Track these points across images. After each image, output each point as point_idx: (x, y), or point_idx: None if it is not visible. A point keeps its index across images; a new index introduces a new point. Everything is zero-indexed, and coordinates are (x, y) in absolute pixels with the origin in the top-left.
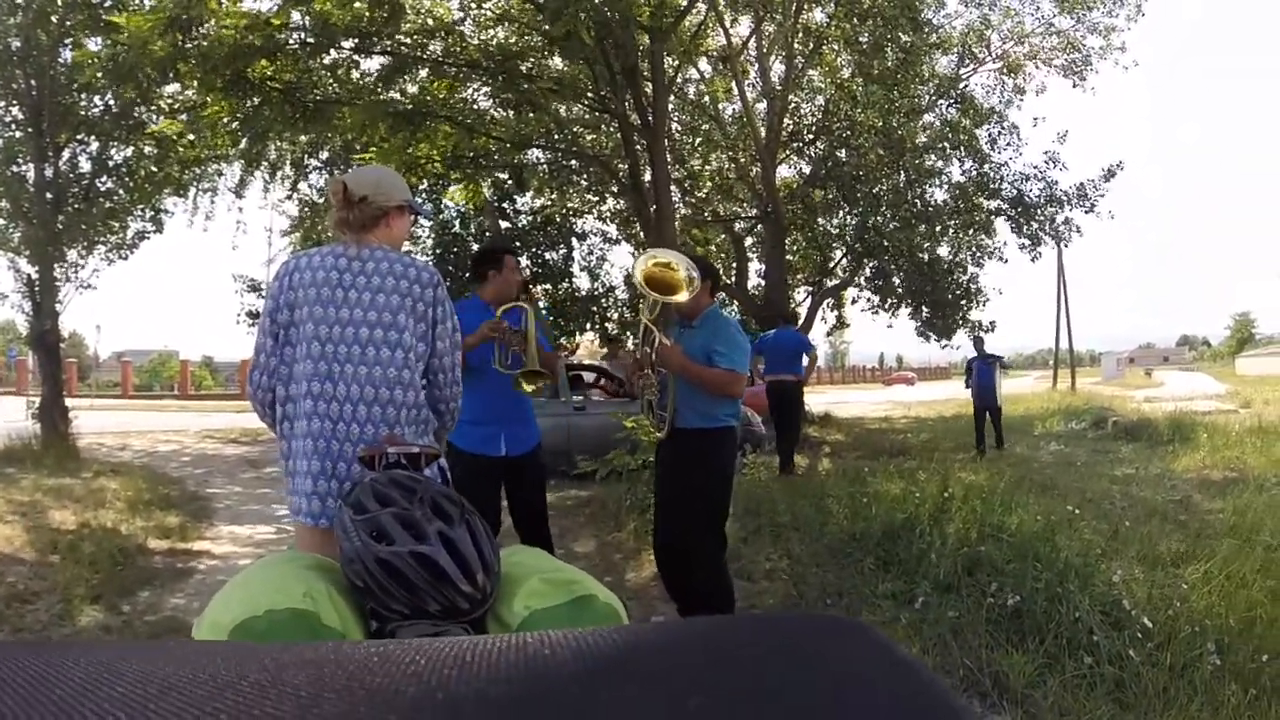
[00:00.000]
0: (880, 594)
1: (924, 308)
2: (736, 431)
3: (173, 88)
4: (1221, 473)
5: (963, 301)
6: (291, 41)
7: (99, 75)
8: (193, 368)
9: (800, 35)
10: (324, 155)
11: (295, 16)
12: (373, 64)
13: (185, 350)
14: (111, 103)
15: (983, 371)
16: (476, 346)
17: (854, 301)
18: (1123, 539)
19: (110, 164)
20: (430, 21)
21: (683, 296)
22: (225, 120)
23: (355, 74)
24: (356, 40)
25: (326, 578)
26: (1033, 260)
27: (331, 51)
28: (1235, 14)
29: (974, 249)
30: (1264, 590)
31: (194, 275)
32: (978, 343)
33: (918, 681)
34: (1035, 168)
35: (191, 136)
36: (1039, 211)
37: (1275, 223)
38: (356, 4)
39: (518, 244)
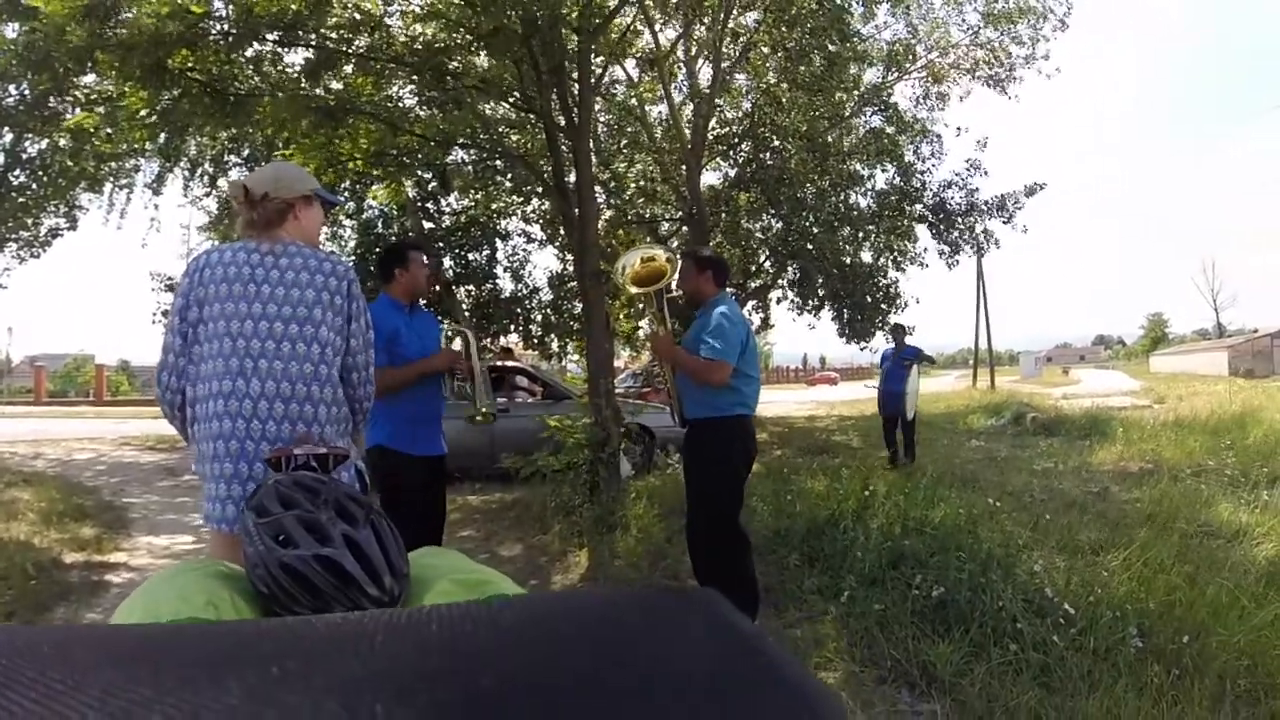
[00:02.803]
0: (806, 589)
1: (845, 310)
2: (746, 421)
3: (90, 78)
4: (1138, 465)
5: (883, 305)
6: (214, 31)
7: (14, 63)
8: (109, 372)
9: (729, 39)
10: (245, 152)
11: (218, 5)
12: (296, 58)
13: (101, 354)
14: (26, 93)
15: (892, 373)
16: (429, 373)
17: (778, 302)
18: (1043, 530)
19: (24, 157)
20: (357, 15)
21: (671, 278)
22: (144, 113)
23: (278, 67)
24: (281, 32)
25: (230, 584)
26: (950, 268)
27: (254, 43)
28: (1155, 27)
29: (895, 254)
30: (1182, 575)
31: (109, 276)
32: (896, 331)
33: (748, 651)
34: (957, 174)
35: (109, 130)
36: (959, 220)
37: (1188, 226)
38: None
39: (440, 245)
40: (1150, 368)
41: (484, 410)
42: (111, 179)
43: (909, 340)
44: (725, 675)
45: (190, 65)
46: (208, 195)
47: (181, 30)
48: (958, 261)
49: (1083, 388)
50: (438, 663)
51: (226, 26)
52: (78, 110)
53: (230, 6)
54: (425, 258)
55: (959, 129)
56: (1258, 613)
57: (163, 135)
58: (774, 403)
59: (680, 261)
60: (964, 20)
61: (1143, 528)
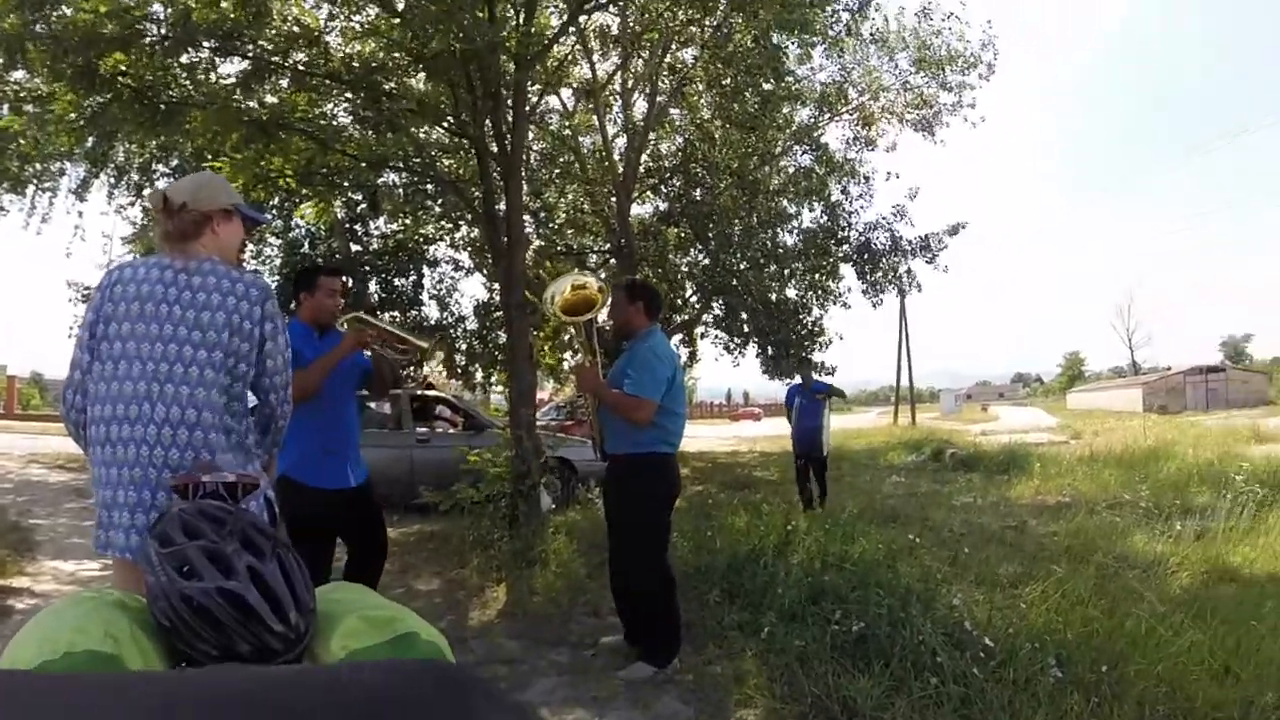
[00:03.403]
0: (726, 625)
1: (770, 347)
2: (669, 459)
3: (20, 74)
4: (1055, 499)
5: (806, 342)
6: (150, 35)
7: None
8: (20, 384)
9: (665, 74)
10: (173, 162)
11: (156, 7)
12: (231, 68)
13: (12, 365)
14: None
15: (807, 409)
16: (339, 361)
17: (703, 337)
18: (962, 564)
19: None
20: (296, 29)
21: (601, 308)
22: (72, 116)
23: (213, 77)
24: (218, 41)
25: (130, 616)
26: (874, 307)
27: (190, 50)
28: (1073, 73)
29: (820, 292)
30: (1099, 606)
31: (25, 283)
32: (803, 366)
33: None
34: (883, 218)
35: (36, 133)
36: (884, 260)
37: (1103, 267)
38: (223, 2)
39: (366, 268)
40: (1067, 404)
41: (425, 345)
42: (35, 181)
43: (825, 378)
44: None
45: (123, 69)
46: (132, 204)
47: (117, 31)
48: (881, 301)
49: (1001, 424)
50: None
51: (164, 31)
52: (5, 109)
53: (169, 10)
54: (341, 282)
55: (889, 174)
56: (1175, 641)
57: (90, 139)
58: (697, 438)
59: (611, 292)
60: (896, 65)
61: (1060, 560)
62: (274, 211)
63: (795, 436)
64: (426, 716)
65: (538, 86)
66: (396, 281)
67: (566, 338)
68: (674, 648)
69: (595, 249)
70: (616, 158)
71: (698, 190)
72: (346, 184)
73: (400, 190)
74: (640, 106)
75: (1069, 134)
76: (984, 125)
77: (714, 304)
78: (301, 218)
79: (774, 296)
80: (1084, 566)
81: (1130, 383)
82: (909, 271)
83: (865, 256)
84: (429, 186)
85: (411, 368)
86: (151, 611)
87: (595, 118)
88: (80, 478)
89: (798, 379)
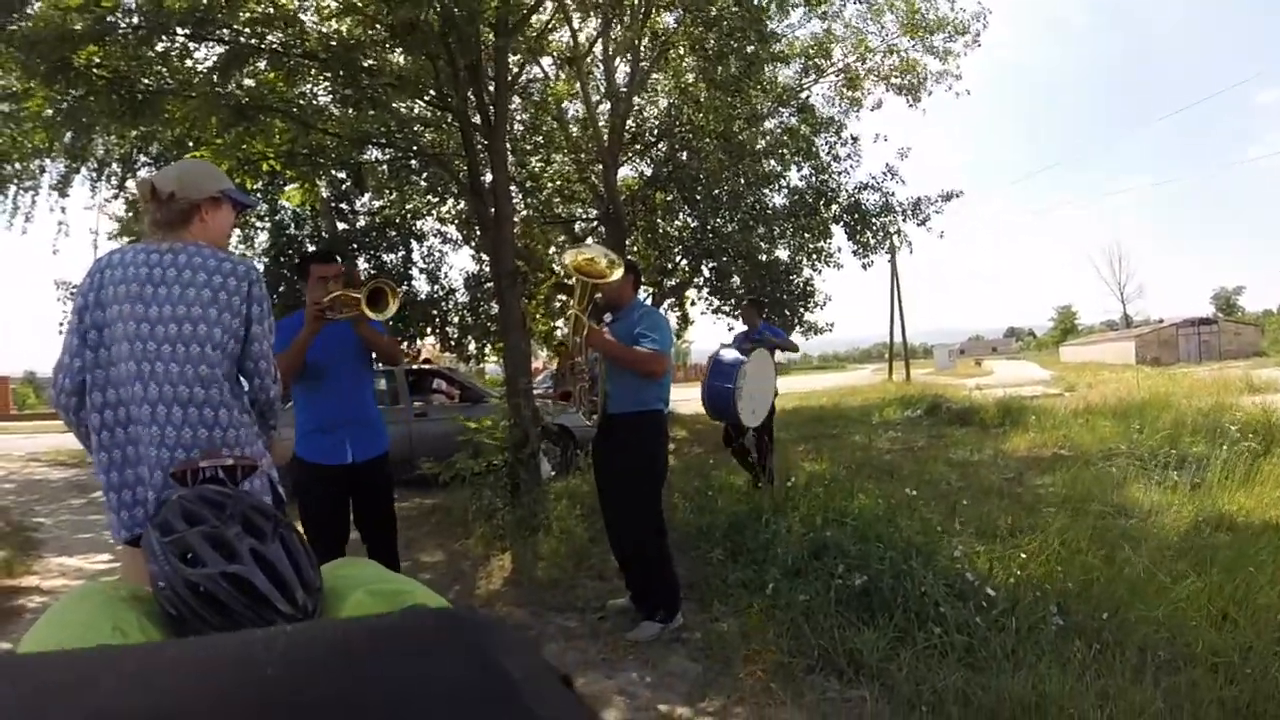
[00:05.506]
0: (730, 583)
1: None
2: (665, 415)
3: None
4: (1051, 451)
5: (799, 302)
6: (122, 25)
7: None
8: (14, 385)
9: (648, 39)
10: (154, 150)
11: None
12: (207, 54)
13: (6, 365)
14: None
15: (721, 366)
16: (312, 337)
17: (694, 303)
18: (961, 516)
19: None
20: (271, 10)
21: (613, 277)
22: (49, 113)
23: (189, 63)
24: (192, 27)
25: (138, 608)
26: (865, 269)
27: (164, 38)
28: (1064, 22)
29: (811, 253)
30: (1098, 555)
31: (13, 283)
32: (752, 310)
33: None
34: (874, 177)
35: (12, 129)
36: (874, 220)
37: (1094, 221)
38: None
39: (354, 246)
40: (1061, 358)
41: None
42: (15, 180)
43: (814, 337)
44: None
45: (96, 61)
46: (115, 197)
47: (89, 25)
48: (872, 262)
49: (995, 378)
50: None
51: (136, 20)
52: None
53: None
54: (334, 267)
55: (877, 135)
56: (1174, 587)
57: (68, 135)
58: (693, 400)
59: (620, 265)
60: (882, 27)
61: (1058, 511)
62: (258, 194)
63: (703, 397)
64: (432, 650)
65: (519, 56)
66: (385, 258)
67: (558, 304)
68: (676, 600)
69: (583, 216)
70: (601, 124)
71: (684, 154)
72: (330, 163)
73: (384, 166)
74: (623, 72)
75: (1061, 81)
76: (972, 90)
77: (704, 267)
78: (287, 199)
79: (764, 257)
80: (1082, 516)
81: (1123, 335)
82: (899, 232)
83: (855, 217)
84: (413, 161)
85: (407, 343)
86: (158, 601)
87: (578, 85)
88: (81, 474)
89: (745, 326)
